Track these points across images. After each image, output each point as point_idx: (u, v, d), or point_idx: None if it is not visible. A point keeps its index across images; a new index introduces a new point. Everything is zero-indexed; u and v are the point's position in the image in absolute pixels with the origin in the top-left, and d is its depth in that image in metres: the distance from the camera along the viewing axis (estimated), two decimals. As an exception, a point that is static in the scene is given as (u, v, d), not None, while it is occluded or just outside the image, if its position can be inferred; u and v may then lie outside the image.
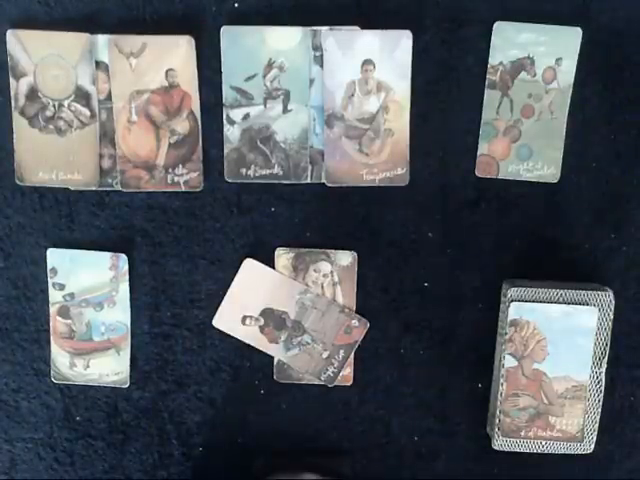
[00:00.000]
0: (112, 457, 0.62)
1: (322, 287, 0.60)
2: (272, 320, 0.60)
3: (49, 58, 0.56)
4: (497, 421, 0.60)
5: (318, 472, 0.60)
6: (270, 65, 0.57)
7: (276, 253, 0.60)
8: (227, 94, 0.57)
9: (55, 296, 0.59)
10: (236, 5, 0.57)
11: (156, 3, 0.57)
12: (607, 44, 0.58)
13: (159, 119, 0.57)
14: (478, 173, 0.59)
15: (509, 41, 0.57)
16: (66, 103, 0.57)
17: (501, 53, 0.57)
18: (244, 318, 0.60)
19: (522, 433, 0.60)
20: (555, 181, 0.60)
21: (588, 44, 0.58)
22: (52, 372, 0.60)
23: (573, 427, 0.60)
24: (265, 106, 0.57)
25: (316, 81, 0.57)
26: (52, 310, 0.59)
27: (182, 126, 0.57)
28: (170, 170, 0.58)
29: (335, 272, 0.60)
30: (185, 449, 0.62)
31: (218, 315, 0.60)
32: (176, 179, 0.58)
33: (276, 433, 0.63)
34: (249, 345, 0.61)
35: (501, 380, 0.59)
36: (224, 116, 0.57)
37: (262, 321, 0.60)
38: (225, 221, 0.60)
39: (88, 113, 0.57)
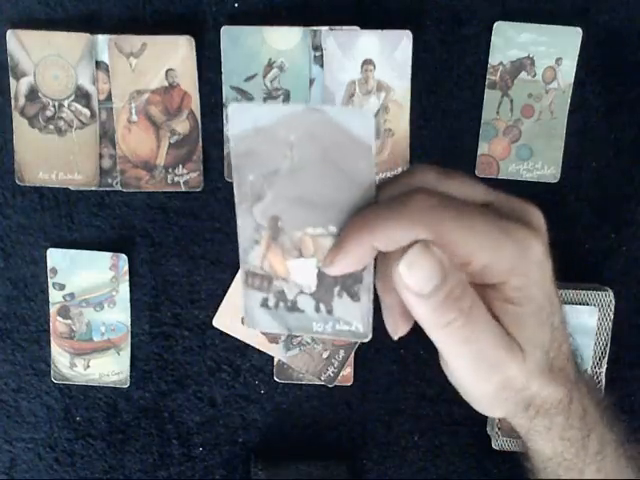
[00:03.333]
0: (112, 457, 0.62)
1: (322, 287, 0.60)
2: (272, 320, 0.60)
3: (49, 58, 0.56)
4: (497, 421, 0.60)
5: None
6: (270, 65, 0.57)
7: (276, 253, 0.59)
8: (227, 94, 0.57)
9: (55, 296, 0.59)
10: (236, 5, 0.57)
11: (156, 3, 0.57)
12: (607, 44, 0.58)
13: (159, 119, 0.57)
14: (478, 173, 0.59)
15: (509, 41, 0.57)
16: (66, 103, 0.57)
17: (501, 53, 0.57)
18: (244, 318, 0.60)
19: (522, 433, 0.60)
20: (555, 181, 0.60)
21: (588, 44, 0.58)
22: (52, 372, 0.60)
23: (573, 427, 0.60)
24: (265, 106, 0.57)
25: (316, 81, 0.57)
26: (52, 310, 0.59)
27: (182, 126, 0.57)
28: (170, 170, 0.58)
29: (335, 272, 0.60)
30: (185, 449, 0.62)
31: (218, 315, 0.60)
32: (176, 179, 0.58)
33: (276, 433, 0.63)
34: (249, 345, 0.61)
35: (501, 380, 0.59)
36: (224, 116, 0.57)
37: (262, 321, 0.60)
38: (225, 221, 0.60)
39: (88, 113, 0.57)
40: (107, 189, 0.59)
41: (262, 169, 0.33)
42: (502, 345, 0.34)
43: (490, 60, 0.58)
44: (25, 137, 0.57)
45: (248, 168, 0.34)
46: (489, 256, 0.32)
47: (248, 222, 0.35)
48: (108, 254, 0.59)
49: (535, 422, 0.37)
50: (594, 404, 0.39)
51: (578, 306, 0.58)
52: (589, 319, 0.58)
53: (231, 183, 0.61)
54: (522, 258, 0.33)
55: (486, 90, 0.58)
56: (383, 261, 0.34)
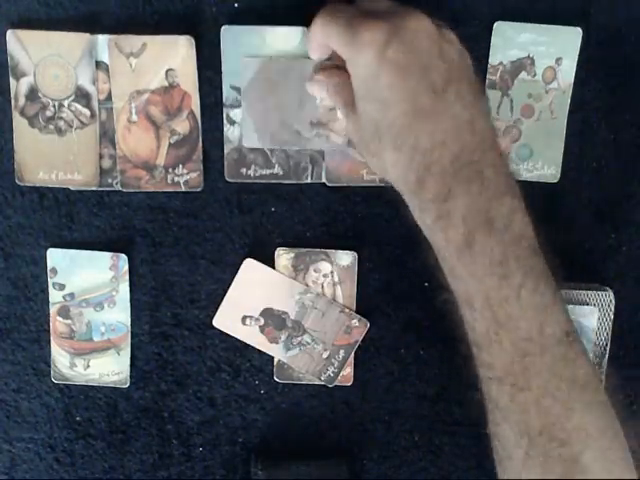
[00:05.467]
0: (112, 457, 0.62)
1: (322, 287, 0.60)
2: (272, 320, 0.60)
3: (49, 58, 0.56)
4: (497, 421, 0.60)
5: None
6: (270, 65, 0.57)
7: (276, 253, 0.60)
8: (227, 94, 0.57)
9: (55, 296, 0.59)
10: (236, 5, 0.57)
11: (156, 3, 0.56)
12: (607, 44, 0.58)
13: (159, 119, 0.57)
14: (478, 173, 0.59)
15: (509, 41, 0.57)
16: (66, 103, 0.57)
17: (501, 53, 0.57)
18: (244, 318, 0.60)
19: (522, 433, 0.60)
20: (555, 181, 0.60)
21: (588, 44, 0.58)
22: (52, 372, 0.60)
23: (573, 427, 0.60)
24: (265, 106, 0.58)
25: (316, 81, 0.57)
26: (52, 310, 0.59)
27: (182, 126, 0.57)
28: (170, 170, 0.58)
29: (335, 272, 0.60)
30: (185, 449, 0.62)
31: (218, 315, 0.60)
32: (176, 179, 0.58)
33: (276, 433, 0.63)
34: (249, 345, 0.61)
35: (501, 380, 0.59)
36: (224, 116, 0.57)
37: (262, 321, 0.60)
38: (225, 221, 0.60)
39: (88, 113, 0.57)
40: (107, 189, 0.59)
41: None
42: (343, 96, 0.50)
43: (490, 60, 0.58)
44: (25, 137, 0.57)
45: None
46: (341, 51, 0.46)
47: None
48: (108, 254, 0.59)
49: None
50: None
51: (578, 306, 0.58)
52: (589, 319, 0.58)
53: (231, 183, 0.61)
54: (350, 44, 0.44)
55: (486, 90, 0.58)
56: None
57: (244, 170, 0.58)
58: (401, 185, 0.47)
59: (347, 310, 0.60)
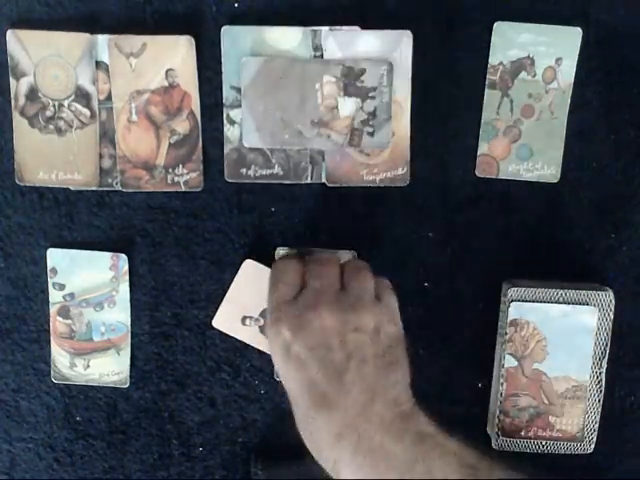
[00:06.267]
0: (112, 457, 0.62)
1: (322, 287, 0.60)
2: (272, 320, 0.60)
3: (49, 58, 0.56)
4: (497, 421, 0.60)
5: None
6: (270, 65, 0.57)
7: (276, 253, 0.60)
8: (227, 94, 0.57)
9: (55, 296, 0.59)
10: (236, 5, 0.57)
11: (156, 3, 0.57)
12: (607, 44, 0.58)
13: (159, 119, 0.57)
14: (478, 173, 0.60)
15: (509, 41, 0.57)
16: (66, 103, 0.57)
17: (501, 53, 0.57)
18: (244, 318, 0.60)
19: (522, 433, 0.60)
20: (555, 181, 0.60)
21: (588, 44, 0.58)
22: (52, 372, 0.60)
23: (573, 427, 0.60)
24: (265, 106, 0.58)
25: (316, 81, 0.57)
26: (52, 310, 0.59)
27: (182, 126, 0.57)
28: (170, 170, 0.58)
29: (335, 272, 0.60)
30: (185, 449, 0.62)
31: (218, 315, 0.60)
32: (176, 179, 0.58)
33: (276, 433, 0.63)
34: (249, 345, 0.61)
35: (501, 380, 0.59)
36: (224, 116, 0.57)
37: (262, 321, 0.60)
38: (225, 221, 0.60)
39: (88, 113, 0.57)
40: (107, 189, 0.59)
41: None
42: None
43: (490, 60, 0.58)
44: (25, 137, 0.57)
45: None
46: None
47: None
48: (108, 254, 0.59)
49: None
50: None
51: (578, 306, 0.58)
52: (589, 319, 0.58)
53: (231, 183, 0.61)
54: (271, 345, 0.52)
55: (486, 90, 0.58)
56: None
57: (244, 170, 0.58)
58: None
59: (347, 310, 0.60)
